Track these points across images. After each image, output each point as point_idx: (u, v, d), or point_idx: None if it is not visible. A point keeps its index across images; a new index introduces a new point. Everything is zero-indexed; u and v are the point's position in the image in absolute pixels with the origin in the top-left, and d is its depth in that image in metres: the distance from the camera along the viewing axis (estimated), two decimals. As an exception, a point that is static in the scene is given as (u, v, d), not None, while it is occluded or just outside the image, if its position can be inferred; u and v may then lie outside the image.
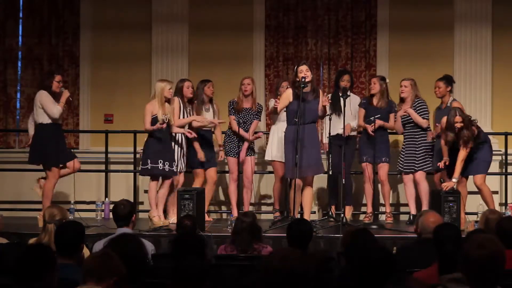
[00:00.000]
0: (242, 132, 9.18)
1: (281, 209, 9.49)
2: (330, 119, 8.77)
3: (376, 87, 9.21)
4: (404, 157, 9.13)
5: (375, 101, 9.23)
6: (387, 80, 9.35)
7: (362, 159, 9.21)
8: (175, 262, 4.10)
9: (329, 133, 8.90)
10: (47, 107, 8.63)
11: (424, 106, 9.03)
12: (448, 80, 9.00)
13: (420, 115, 8.97)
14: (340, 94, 8.95)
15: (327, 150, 9.12)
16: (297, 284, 3.11)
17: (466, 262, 3.50)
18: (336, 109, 9.17)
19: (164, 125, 8.55)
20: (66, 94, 8.80)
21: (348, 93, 9.10)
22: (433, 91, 9.06)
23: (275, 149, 9.24)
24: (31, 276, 3.87)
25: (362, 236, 4.87)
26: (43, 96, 8.67)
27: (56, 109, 8.66)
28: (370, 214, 9.30)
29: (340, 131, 9.02)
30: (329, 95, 9.07)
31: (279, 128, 9.16)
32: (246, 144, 9.28)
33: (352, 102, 9.34)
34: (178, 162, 8.88)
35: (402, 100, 9.18)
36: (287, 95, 8.35)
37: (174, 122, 8.80)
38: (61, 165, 8.88)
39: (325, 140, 9.20)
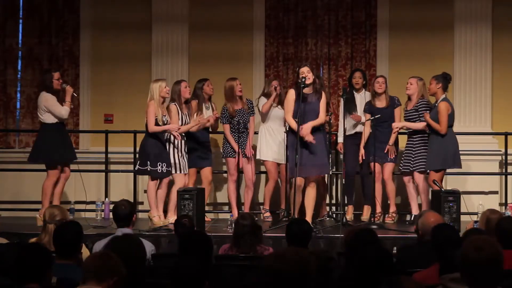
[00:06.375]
0: (233, 144, 9.17)
1: (271, 210, 9.51)
2: (344, 120, 8.98)
3: (383, 87, 9.22)
4: (403, 158, 9.12)
5: (378, 101, 9.20)
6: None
7: (370, 159, 9.21)
8: (178, 260, 4.10)
9: (344, 133, 8.97)
10: (55, 110, 8.73)
11: (426, 108, 8.96)
12: (438, 77, 8.86)
13: (422, 116, 8.91)
14: (340, 94, 8.96)
15: (342, 150, 9.13)
16: (299, 285, 3.11)
17: (465, 265, 3.49)
18: (350, 108, 9.22)
19: (179, 137, 8.66)
20: (69, 91, 8.87)
21: (348, 91, 9.18)
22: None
23: (264, 148, 9.26)
24: (27, 275, 3.88)
25: (364, 237, 4.86)
26: (48, 100, 8.74)
27: (64, 110, 8.78)
28: (379, 214, 9.29)
29: (356, 129, 9.29)
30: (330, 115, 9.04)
31: (269, 127, 9.20)
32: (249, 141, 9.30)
33: (366, 99, 9.36)
34: (179, 162, 8.88)
35: (409, 98, 9.14)
36: (291, 96, 8.35)
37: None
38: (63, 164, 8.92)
39: (340, 140, 9.25)
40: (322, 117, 8.37)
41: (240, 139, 9.14)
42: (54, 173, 8.82)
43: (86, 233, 7.23)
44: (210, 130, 9.42)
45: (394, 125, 9.00)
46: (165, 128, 8.68)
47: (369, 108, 9.22)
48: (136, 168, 8.99)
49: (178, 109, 8.92)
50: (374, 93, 9.26)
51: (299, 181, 8.21)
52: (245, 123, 9.27)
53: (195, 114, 9.11)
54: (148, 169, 8.70)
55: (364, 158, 9.23)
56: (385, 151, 9.10)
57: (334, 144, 9.69)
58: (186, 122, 9.00)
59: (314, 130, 8.26)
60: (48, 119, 8.76)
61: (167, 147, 8.83)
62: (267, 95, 9.36)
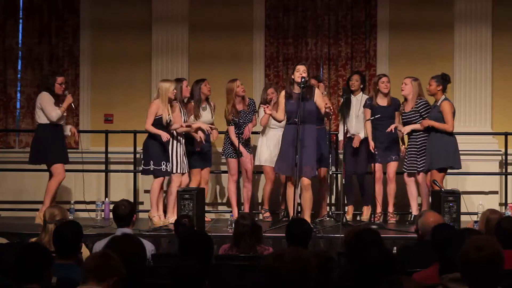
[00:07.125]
0: (241, 147, 9.17)
1: (270, 210, 9.51)
2: (344, 120, 9.00)
3: (389, 86, 9.19)
4: (407, 158, 9.10)
5: (380, 99, 9.18)
6: None
7: (370, 159, 9.19)
8: (178, 260, 4.10)
9: (345, 133, 8.95)
10: (46, 110, 8.69)
11: (426, 108, 8.95)
12: (438, 78, 8.85)
13: (423, 117, 8.91)
14: (340, 94, 8.97)
15: (343, 149, 9.12)
16: (299, 285, 3.11)
17: (465, 265, 3.49)
18: (343, 111, 9.22)
19: (166, 138, 8.59)
20: (69, 99, 8.84)
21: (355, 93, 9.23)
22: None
23: (264, 153, 9.25)
24: (27, 275, 3.88)
25: (366, 236, 4.86)
26: (44, 99, 8.72)
27: (55, 113, 8.71)
28: (380, 214, 9.27)
29: (351, 132, 9.29)
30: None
31: (268, 133, 9.20)
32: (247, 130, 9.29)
33: (362, 102, 9.35)
34: (180, 162, 8.87)
35: (405, 99, 9.14)
36: (281, 98, 8.34)
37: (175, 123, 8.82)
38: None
39: (341, 138, 9.29)
40: (321, 106, 8.19)
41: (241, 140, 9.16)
42: (60, 172, 8.81)
43: (86, 233, 7.24)
44: (210, 132, 9.38)
45: (403, 130, 8.97)
46: (158, 133, 8.59)
47: (370, 105, 9.21)
48: (140, 169, 9.00)
49: (180, 108, 8.93)
50: (377, 92, 9.21)
51: (288, 179, 8.21)
52: (248, 123, 9.27)
53: (192, 116, 9.09)
54: (152, 169, 8.70)
55: (368, 156, 9.21)
56: (402, 153, 9.14)
57: (334, 144, 9.69)
58: (184, 120, 9.00)
59: (306, 130, 8.18)
60: (43, 119, 8.74)
61: (170, 146, 8.82)
62: (266, 103, 9.36)
